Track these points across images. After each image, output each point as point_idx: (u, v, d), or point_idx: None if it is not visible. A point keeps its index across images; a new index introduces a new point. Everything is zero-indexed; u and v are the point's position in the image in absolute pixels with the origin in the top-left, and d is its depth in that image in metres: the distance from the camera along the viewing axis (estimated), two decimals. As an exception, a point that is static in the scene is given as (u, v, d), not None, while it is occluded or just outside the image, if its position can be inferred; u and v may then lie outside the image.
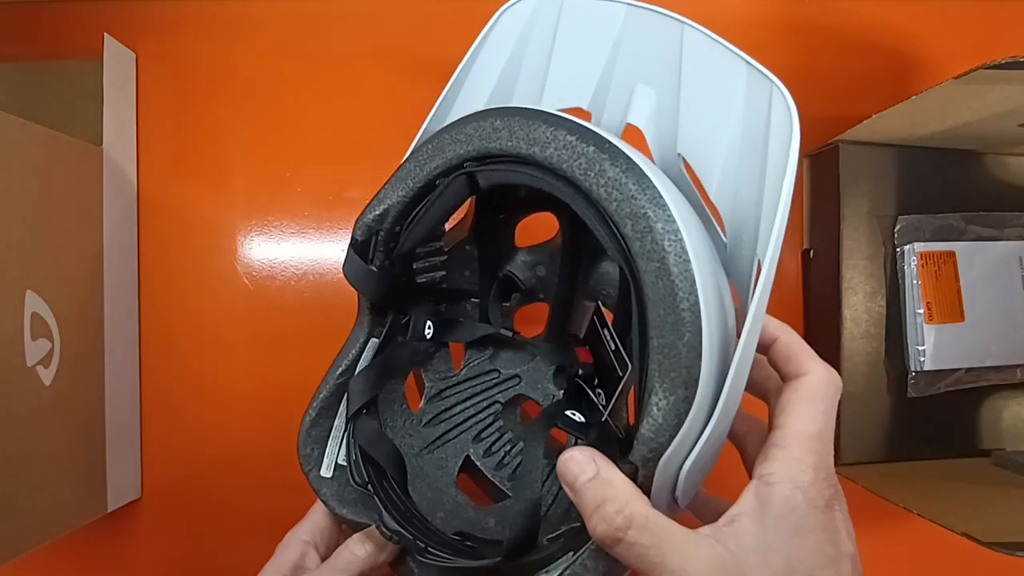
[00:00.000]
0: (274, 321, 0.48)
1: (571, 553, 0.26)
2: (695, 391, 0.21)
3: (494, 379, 0.38)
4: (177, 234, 0.49)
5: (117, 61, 0.46)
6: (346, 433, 0.32)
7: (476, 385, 0.37)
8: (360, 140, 0.49)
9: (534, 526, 0.27)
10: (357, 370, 0.32)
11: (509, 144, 0.25)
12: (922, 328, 0.48)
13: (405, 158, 0.30)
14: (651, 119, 0.28)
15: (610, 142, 0.24)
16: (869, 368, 0.49)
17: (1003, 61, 0.34)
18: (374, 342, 0.32)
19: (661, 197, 0.22)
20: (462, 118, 0.28)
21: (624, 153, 0.23)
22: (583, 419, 0.33)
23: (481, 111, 0.27)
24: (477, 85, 0.32)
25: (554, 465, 0.26)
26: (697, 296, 0.21)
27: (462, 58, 0.31)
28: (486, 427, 0.37)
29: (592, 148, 0.23)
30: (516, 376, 0.38)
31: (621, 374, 0.33)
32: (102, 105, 0.44)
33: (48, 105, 0.47)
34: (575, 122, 0.25)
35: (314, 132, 0.49)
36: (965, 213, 0.49)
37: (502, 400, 0.37)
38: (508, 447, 0.37)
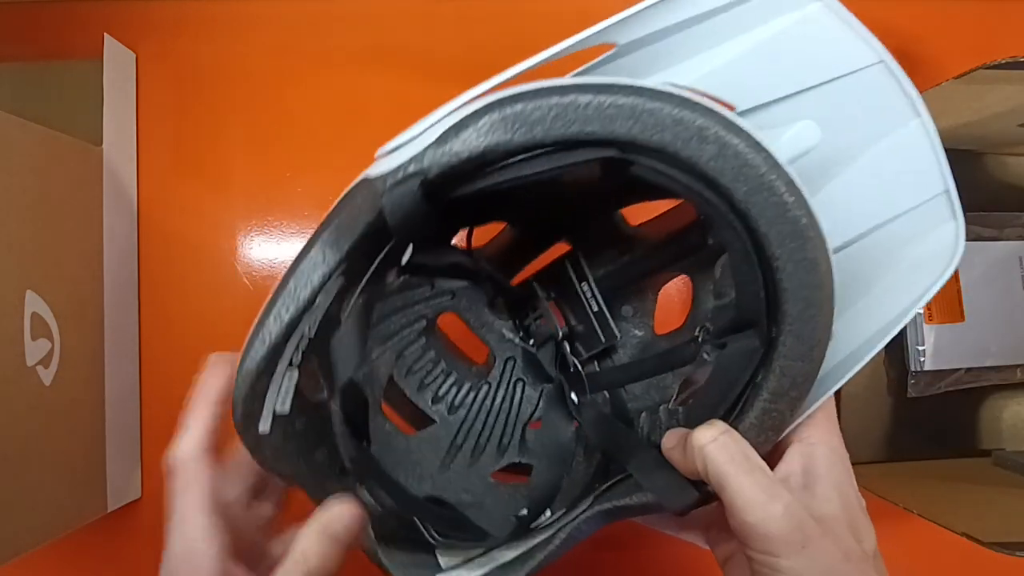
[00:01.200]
0: (274, 321, 0.48)
1: (553, 514, 0.28)
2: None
3: (425, 293, 0.35)
4: (177, 234, 0.49)
5: (117, 61, 0.46)
6: (289, 377, 0.26)
7: (407, 297, 0.34)
8: (360, 140, 0.48)
9: (551, 501, 0.29)
10: (316, 304, 0.25)
11: (711, 164, 0.22)
12: (922, 328, 0.48)
13: (515, 92, 0.22)
14: (796, 156, 0.27)
15: (815, 218, 0.22)
16: (869, 368, 0.48)
17: (1003, 61, 0.34)
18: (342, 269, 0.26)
19: (832, 284, 0.23)
20: (646, 89, 0.22)
21: (822, 235, 0.23)
22: (576, 400, 0.33)
23: (683, 99, 0.22)
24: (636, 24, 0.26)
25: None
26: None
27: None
28: (409, 344, 0.34)
29: (804, 221, 0.22)
30: (450, 292, 0.35)
31: (604, 341, 0.33)
32: (102, 105, 0.44)
33: (48, 105, 0.47)
34: (790, 176, 0.22)
35: (314, 132, 0.49)
36: (965, 213, 0.49)
37: (429, 315, 0.35)
38: (429, 366, 0.35)
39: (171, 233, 0.49)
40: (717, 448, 0.23)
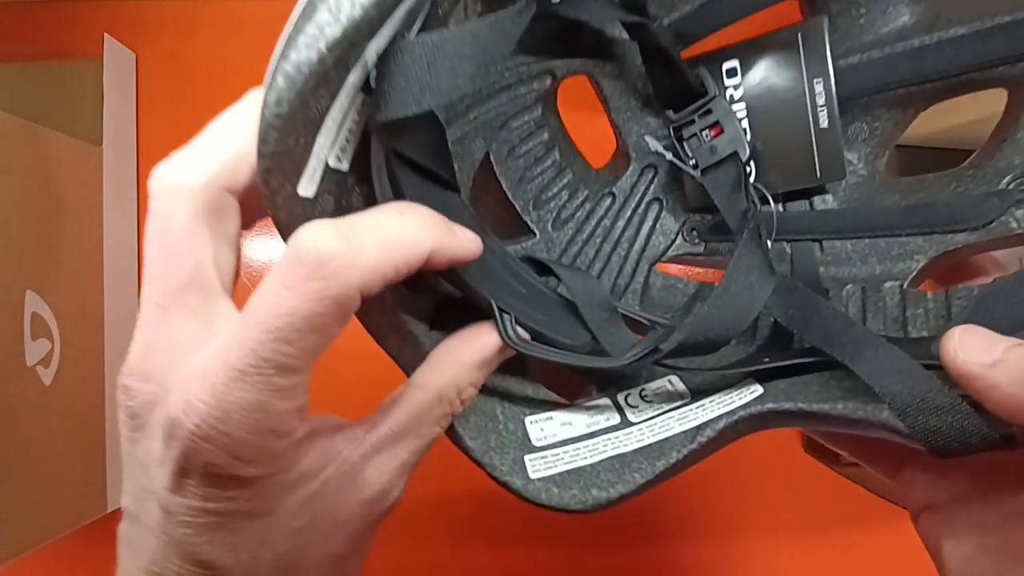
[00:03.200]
0: (274, 321, 0.48)
1: (711, 398, 0.20)
2: None
3: (560, 43, 0.24)
4: (177, 234, 0.49)
5: (117, 61, 0.46)
6: (359, 109, 0.16)
7: (526, 41, 0.23)
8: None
9: (724, 343, 0.20)
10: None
11: None
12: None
13: None
14: None
15: None
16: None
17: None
18: None
19: None
20: None
21: None
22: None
23: None
24: None
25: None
26: None
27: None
28: (518, 112, 0.24)
29: None
30: (595, 46, 0.24)
31: (820, 175, 0.23)
32: (102, 105, 0.44)
33: (48, 105, 0.47)
34: None
35: (314, 132, 0.49)
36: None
37: (558, 74, 0.24)
38: (540, 152, 0.25)
39: (171, 233, 0.49)
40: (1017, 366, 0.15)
